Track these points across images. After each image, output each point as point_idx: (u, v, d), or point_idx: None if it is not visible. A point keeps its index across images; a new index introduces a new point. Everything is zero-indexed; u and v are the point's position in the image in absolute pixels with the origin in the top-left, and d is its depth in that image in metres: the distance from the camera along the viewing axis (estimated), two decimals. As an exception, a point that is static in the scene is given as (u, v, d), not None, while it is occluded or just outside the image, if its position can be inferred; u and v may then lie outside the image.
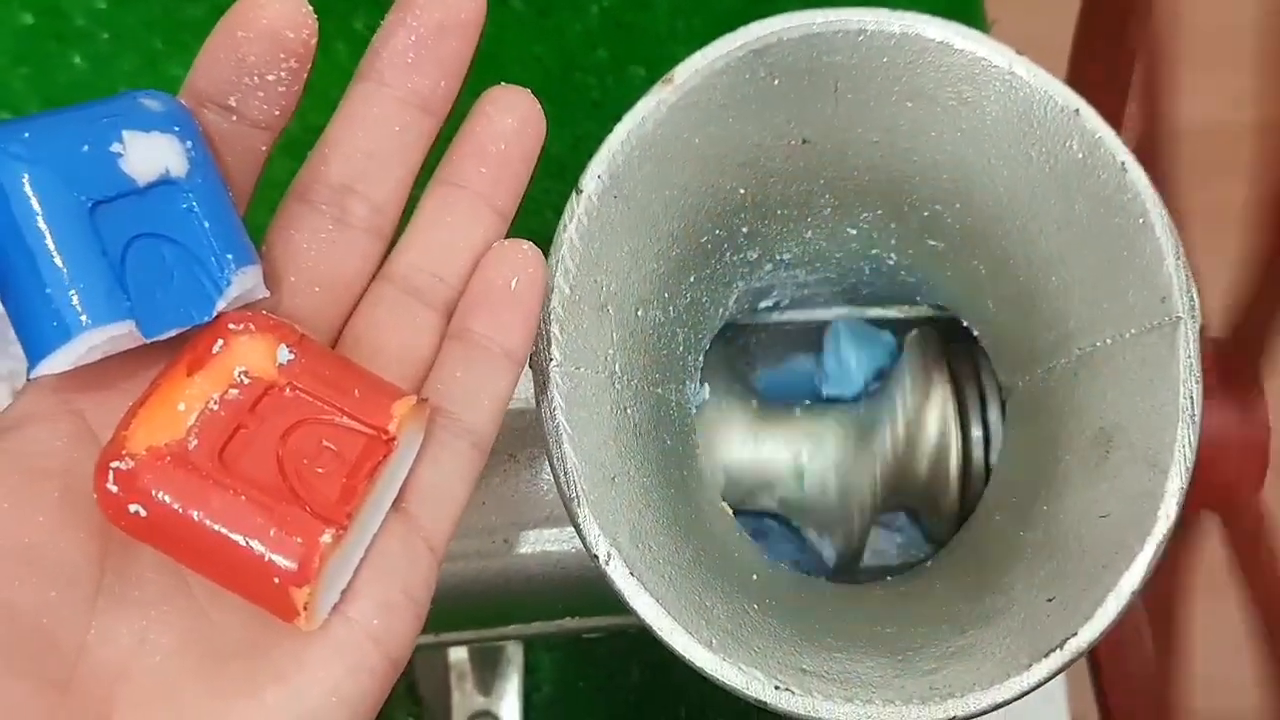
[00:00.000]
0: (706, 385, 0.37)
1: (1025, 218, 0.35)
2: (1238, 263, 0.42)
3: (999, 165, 0.35)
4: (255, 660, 0.25)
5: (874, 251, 0.39)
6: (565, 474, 0.31)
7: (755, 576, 0.34)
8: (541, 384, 0.31)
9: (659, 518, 0.32)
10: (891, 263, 0.39)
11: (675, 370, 0.36)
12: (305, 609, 0.24)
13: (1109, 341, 0.33)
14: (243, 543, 0.24)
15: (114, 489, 0.24)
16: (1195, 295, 0.32)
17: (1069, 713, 0.50)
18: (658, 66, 0.34)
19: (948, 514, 0.38)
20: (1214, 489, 0.43)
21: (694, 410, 0.37)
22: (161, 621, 0.25)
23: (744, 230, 0.37)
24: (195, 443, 0.24)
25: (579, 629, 0.42)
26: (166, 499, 0.24)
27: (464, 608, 0.39)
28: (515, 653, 0.52)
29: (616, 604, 0.31)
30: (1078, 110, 0.33)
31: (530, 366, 0.31)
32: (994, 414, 0.39)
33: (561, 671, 0.53)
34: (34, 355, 0.24)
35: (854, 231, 0.38)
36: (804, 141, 0.35)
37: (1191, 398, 0.31)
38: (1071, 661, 0.29)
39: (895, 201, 0.37)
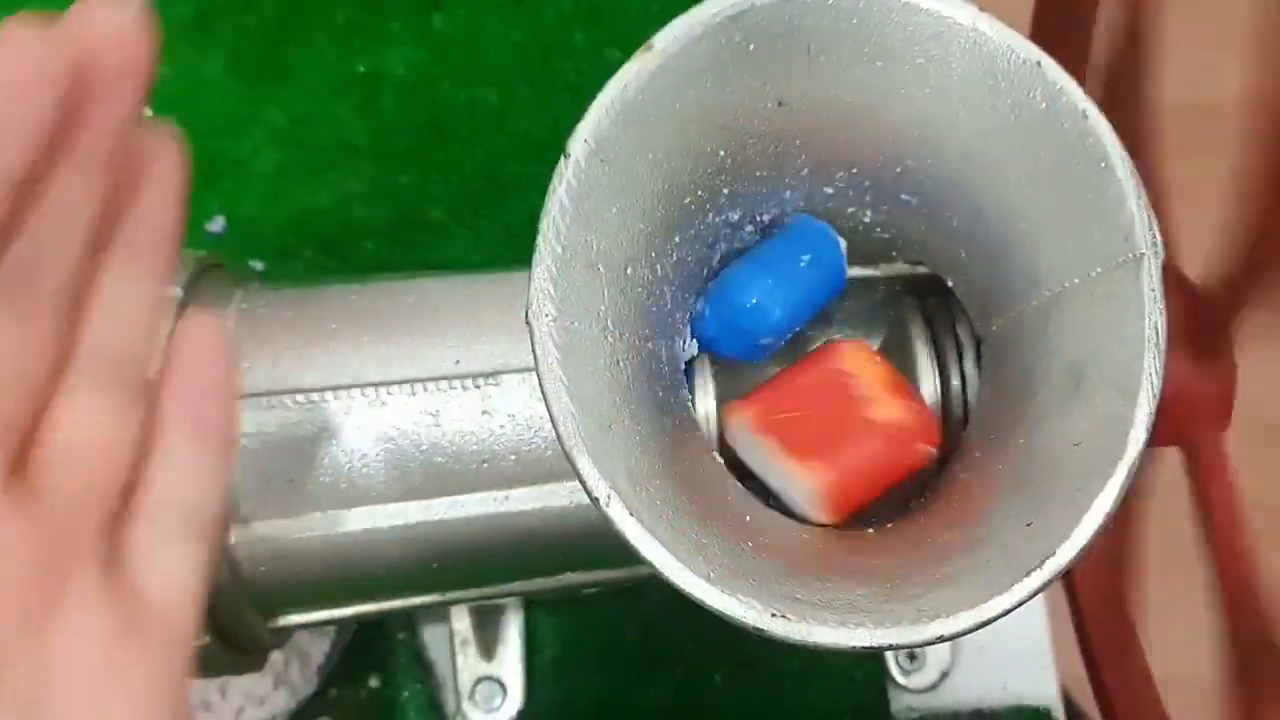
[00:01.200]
0: (696, 341, 0.39)
1: (994, 168, 0.36)
2: (1219, 220, 0.43)
3: (967, 119, 0.36)
4: None
5: (850, 210, 0.40)
6: (565, 423, 0.32)
7: (748, 519, 0.35)
8: (538, 340, 0.33)
9: (654, 463, 0.34)
10: (867, 220, 0.40)
11: (665, 326, 0.37)
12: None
13: (1077, 281, 0.35)
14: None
15: None
16: (1158, 232, 0.33)
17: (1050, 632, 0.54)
18: (633, 50, 0.35)
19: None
20: (1180, 428, 0.45)
21: (683, 365, 0.38)
22: None
23: (725, 191, 0.38)
24: None
25: (579, 583, 0.43)
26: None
27: (470, 565, 0.41)
28: (516, 618, 0.53)
29: (616, 556, 0.32)
30: (1039, 62, 0.35)
31: (527, 324, 0.33)
32: (970, 361, 0.40)
33: (562, 634, 0.54)
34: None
35: (830, 191, 0.40)
36: (779, 104, 0.37)
37: (1157, 327, 0.32)
38: (1051, 580, 0.31)
39: (869, 159, 0.38)
